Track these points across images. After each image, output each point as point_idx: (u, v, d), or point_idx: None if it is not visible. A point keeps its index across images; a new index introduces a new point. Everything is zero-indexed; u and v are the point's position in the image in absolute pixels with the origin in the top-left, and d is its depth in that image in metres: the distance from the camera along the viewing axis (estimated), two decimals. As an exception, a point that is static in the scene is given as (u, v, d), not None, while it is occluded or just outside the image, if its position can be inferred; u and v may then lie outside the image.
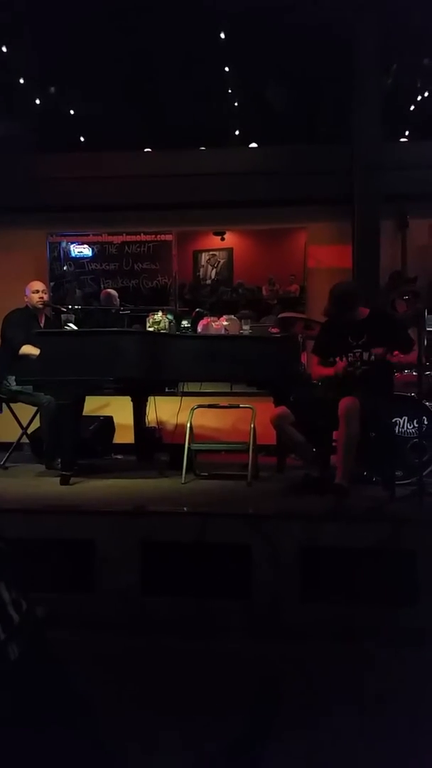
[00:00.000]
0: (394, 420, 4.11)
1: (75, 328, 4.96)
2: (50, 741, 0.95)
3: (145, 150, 7.08)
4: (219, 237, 7.32)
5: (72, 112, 7.20)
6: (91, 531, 3.20)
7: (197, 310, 5.19)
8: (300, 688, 2.35)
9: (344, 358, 3.73)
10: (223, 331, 4.65)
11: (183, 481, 4.12)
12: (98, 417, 5.34)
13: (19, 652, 0.95)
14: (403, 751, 2.01)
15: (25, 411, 4.90)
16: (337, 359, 3.76)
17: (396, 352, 3.67)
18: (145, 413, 5.10)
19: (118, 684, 2.36)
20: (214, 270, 7.39)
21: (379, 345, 3.64)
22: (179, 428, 4.74)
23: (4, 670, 0.92)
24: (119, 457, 5.33)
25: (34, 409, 4.76)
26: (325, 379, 3.85)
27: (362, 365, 3.64)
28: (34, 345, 4.39)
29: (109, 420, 5.43)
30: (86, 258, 7.17)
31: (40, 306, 4.86)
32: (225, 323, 4.71)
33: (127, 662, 2.65)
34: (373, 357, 3.65)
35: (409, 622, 2.92)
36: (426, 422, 4.04)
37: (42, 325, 4.85)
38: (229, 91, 6.88)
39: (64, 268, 7.17)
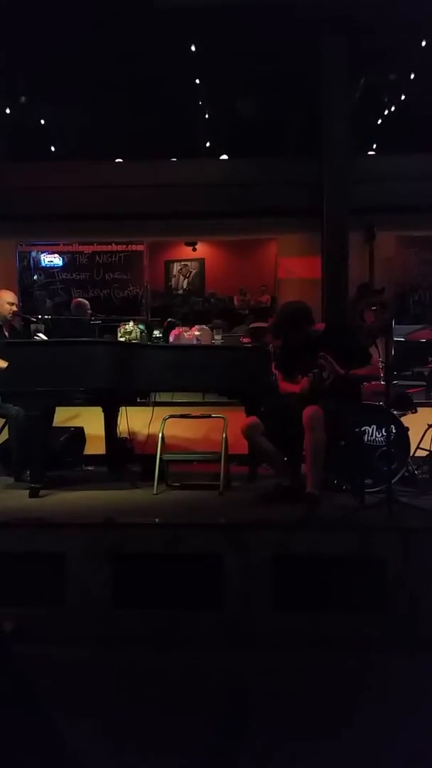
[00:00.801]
0: (362, 428, 4.16)
1: (45, 338, 4.91)
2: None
3: (117, 160, 7.09)
4: (191, 247, 7.36)
5: (43, 121, 7.17)
6: (61, 544, 3.17)
7: (169, 320, 5.20)
8: (273, 697, 2.35)
9: (304, 376, 3.76)
10: (194, 341, 4.66)
11: (155, 492, 4.10)
12: (69, 428, 5.29)
13: None
14: (380, 759, 2.03)
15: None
16: (297, 377, 3.79)
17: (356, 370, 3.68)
18: (116, 424, 5.06)
19: (85, 698, 2.33)
20: (186, 280, 7.43)
21: (335, 359, 3.64)
22: (151, 438, 4.72)
23: None
24: (90, 468, 5.28)
25: (2, 420, 4.69)
26: (292, 393, 3.87)
27: (325, 380, 3.67)
28: (2, 356, 4.33)
29: (79, 431, 5.38)
30: (57, 267, 7.14)
31: (10, 317, 4.80)
32: (197, 333, 4.72)
33: (97, 675, 2.62)
34: (329, 377, 3.67)
35: (380, 629, 2.95)
36: (394, 431, 4.09)
37: (7, 335, 4.79)
38: (200, 103, 6.94)
39: (35, 277, 7.13)
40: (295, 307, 3.95)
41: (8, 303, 4.77)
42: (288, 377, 3.90)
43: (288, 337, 3.84)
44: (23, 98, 7.11)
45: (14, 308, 4.81)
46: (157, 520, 3.43)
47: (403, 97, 6.84)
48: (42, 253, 7.11)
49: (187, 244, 7.35)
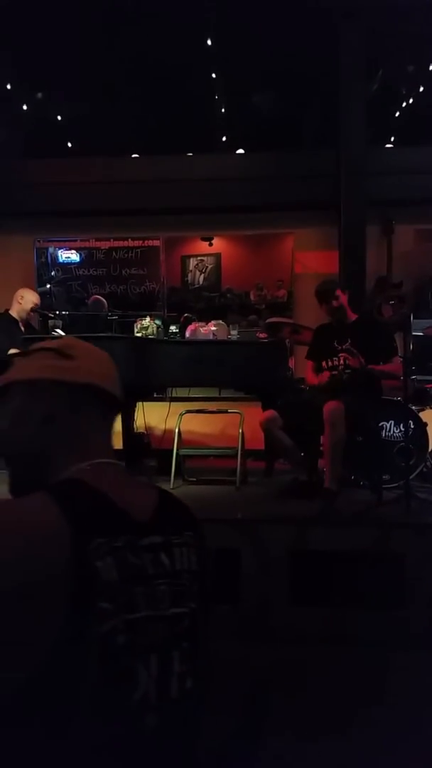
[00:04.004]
0: (380, 424, 4.13)
1: (62, 333, 4.95)
2: None
3: (133, 156, 7.09)
4: (207, 242, 7.34)
5: (59, 117, 7.20)
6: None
7: (185, 315, 5.20)
8: (290, 692, 2.35)
9: (329, 362, 3.76)
10: (211, 336, 4.66)
11: (171, 487, 4.12)
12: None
13: (158, 726, 0.90)
14: (397, 755, 2.02)
15: None
16: (323, 364, 3.79)
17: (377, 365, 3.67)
18: (133, 419, 5.07)
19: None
20: (202, 275, 7.41)
21: (361, 351, 3.65)
22: (167, 433, 4.73)
23: (134, 732, 0.88)
24: (107, 462, 5.30)
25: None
26: (314, 385, 3.87)
27: (345, 369, 3.66)
28: (21, 351, 4.37)
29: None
30: (74, 263, 7.16)
31: (29, 315, 4.84)
32: (213, 328, 4.72)
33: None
34: (347, 369, 3.67)
35: (398, 625, 2.93)
36: (412, 426, 4.06)
37: (23, 330, 4.83)
38: (216, 97, 6.91)
39: (52, 273, 7.16)
40: (327, 282, 4.02)
41: (33, 303, 4.82)
42: (318, 366, 3.88)
43: (335, 303, 3.82)
44: (39, 95, 7.13)
45: (36, 308, 4.86)
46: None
47: (421, 89, 6.76)
48: (59, 249, 7.14)
49: (204, 239, 7.33)
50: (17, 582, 0.81)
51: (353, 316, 3.87)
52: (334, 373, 3.69)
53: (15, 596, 0.80)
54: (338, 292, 3.79)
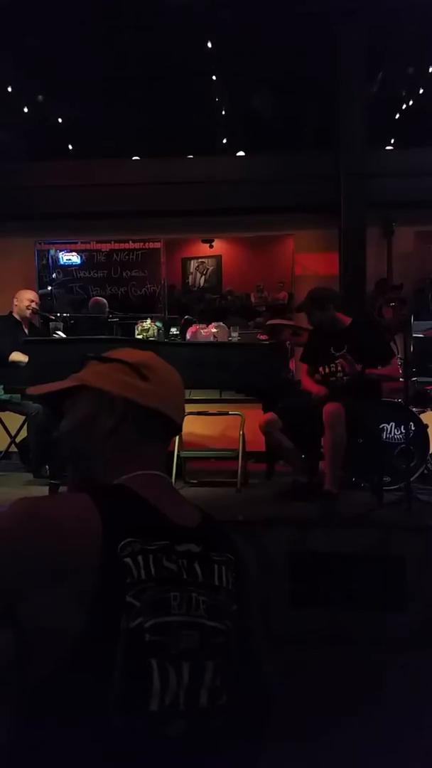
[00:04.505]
0: (381, 426, 4.13)
1: (63, 335, 4.95)
2: None
3: (134, 158, 7.11)
4: (207, 244, 7.35)
5: (60, 120, 7.21)
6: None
7: (186, 317, 5.20)
8: (290, 693, 2.35)
9: (326, 368, 3.76)
10: (211, 338, 4.66)
11: (172, 489, 4.12)
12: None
13: (183, 733, 0.91)
14: (399, 755, 2.02)
15: (13, 419, 4.89)
16: (320, 370, 3.79)
17: (375, 369, 3.67)
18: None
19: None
20: (203, 277, 7.42)
21: (358, 356, 3.65)
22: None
23: (157, 737, 0.89)
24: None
25: (22, 417, 4.74)
26: (311, 393, 3.87)
27: (344, 376, 3.66)
28: (22, 353, 4.38)
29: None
30: (75, 266, 7.18)
31: (29, 315, 4.85)
32: (214, 330, 4.72)
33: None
34: (345, 376, 3.67)
35: (399, 627, 2.93)
36: (413, 428, 4.06)
37: (26, 332, 4.84)
38: (217, 99, 6.93)
39: (53, 275, 7.17)
40: (320, 288, 4.00)
41: (28, 300, 4.82)
42: (312, 369, 3.89)
43: (311, 317, 3.82)
44: (40, 97, 7.15)
45: (34, 305, 4.86)
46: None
47: (421, 91, 6.77)
48: (60, 251, 7.15)
49: (204, 241, 7.34)
50: (50, 566, 0.88)
51: (347, 320, 3.87)
52: (332, 379, 3.69)
53: (49, 578, 0.87)
54: (318, 310, 3.77)
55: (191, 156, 7.04)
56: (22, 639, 0.89)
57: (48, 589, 0.87)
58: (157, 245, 7.03)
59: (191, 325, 4.81)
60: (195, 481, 4.39)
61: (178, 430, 1.11)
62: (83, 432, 1.06)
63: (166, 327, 4.93)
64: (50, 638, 0.86)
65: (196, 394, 5.18)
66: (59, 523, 0.91)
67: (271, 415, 3.80)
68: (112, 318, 5.49)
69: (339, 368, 3.71)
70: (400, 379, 4.13)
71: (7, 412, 4.80)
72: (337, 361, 3.73)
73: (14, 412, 4.76)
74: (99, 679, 0.86)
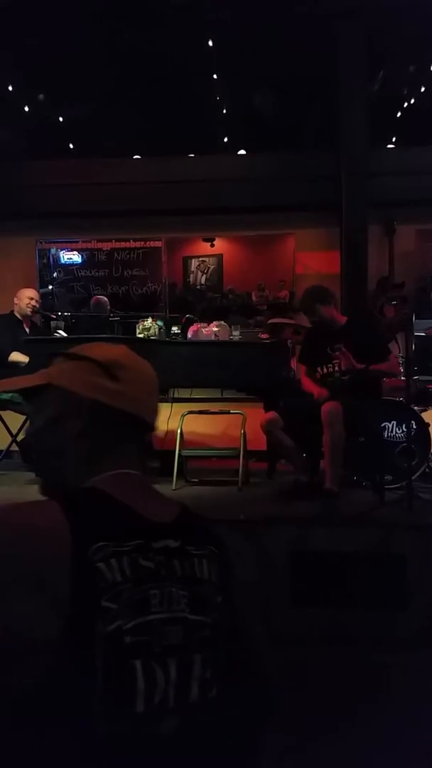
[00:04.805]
0: (382, 424, 4.13)
1: (64, 335, 4.95)
2: None
3: (135, 157, 7.10)
4: (209, 243, 7.35)
5: (61, 119, 7.21)
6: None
7: (187, 316, 5.20)
8: (291, 692, 2.35)
9: (324, 368, 3.77)
10: (213, 337, 4.66)
11: (174, 488, 4.12)
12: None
13: (177, 729, 0.91)
14: (398, 756, 2.02)
15: (14, 418, 4.88)
16: (319, 370, 3.79)
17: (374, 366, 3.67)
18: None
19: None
20: (204, 276, 7.42)
21: (355, 355, 3.65)
22: (170, 434, 4.73)
23: (148, 735, 0.89)
24: (109, 463, 5.31)
25: (24, 417, 4.74)
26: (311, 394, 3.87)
27: (342, 376, 3.66)
28: (23, 352, 4.38)
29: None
30: (76, 264, 7.18)
31: (30, 313, 4.85)
32: (215, 329, 4.72)
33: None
34: (347, 372, 3.67)
35: (400, 626, 2.93)
36: (414, 426, 4.06)
37: (27, 331, 4.84)
38: (218, 98, 6.92)
39: (54, 274, 7.17)
40: (318, 286, 4.01)
41: (28, 298, 4.81)
42: (311, 370, 3.89)
43: (312, 313, 3.82)
44: (41, 96, 7.15)
45: (34, 303, 4.86)
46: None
47: (422, 89, 6.76)
48: (61, 250, 7.16)
49: (205, 240, 7.34)
50: (20, 576, 0.86)
51: (342, 319, 3.87)
52: (330, 380, 3.69)
53: (22, 589, 0.85)
54: (318, 305, 3.78)
55: (192, 155, 7.03)
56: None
57: (21, 599, 0.85)
58: (158, 244, 7.03)
59: (192, 324, 4.81)
60: (196, 480, 4.39)
61: (152, 428, 1.10)
62: (51, 434, 1.04)
63: (168, 326, 4.93)
64: (28, 648, 0.85)
65: (197, 393, 5.18)
66: (26, 532, 0.89)
67: (272, 414, 3.80)
68: (113, 317, 5.50)
69: (336, 368, 3.72)
70: (402, 378, 4.13)
71: (8, 411, 4.81)
72: (334, 361, 3.73)
73: (15, 412, 4.76)
74: (81, 686, 0.86)
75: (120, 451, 1.04)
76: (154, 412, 1.10)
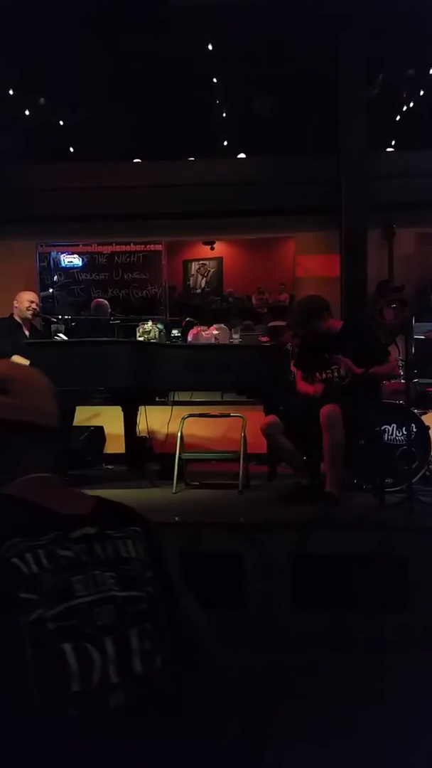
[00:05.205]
0: (383, 427, 4.12)
1: (65, 338, 4.96)
2: None
3: (135, 160, 7.12)
4: (209, 246, 7.36)
5: (61, 122, 7.23)
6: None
7: (187, 319, 5.21)
8: (292, 695, 2.35)
9: (322, 374, 3.76)
10: (213, 340, 4.66)
11: (174, 491, 4.12)
12: (89, 427, 5.33)
13: (125, 702, 0.94)
14: (400, 758, 2.02)
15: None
16: (317, 375, 3.79)
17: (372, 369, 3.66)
18: (135, 423, 5.09)
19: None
20: (204, 279, 7.43)
21: (353, 359, 3.65)
22: (170, 438, 4.74)
23: (99, 713, 0.93)
24: (110, 467, 5.31)
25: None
26: (307, 394, 3.87)
27: (341, 381, 3.66)
28: (23, 356, 4.37)
29: (99, 430, 5.42)
30: (76, 268, 7.19)
31: (30, 316, 4.85)
32: (215, 332, 4.72)
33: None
34: (346, 376, 3.67)
35: (401, 629, 2.93)
36: (415, 429, 4.06)
37: (27, 334, 4.84)
38: (218, 101, 6.94)
39: (54, 278, 7.18)
40: (311, 298, 3.97)
41: (28, 301, 4.82)
42: (307, 376, 3.89)
43: (308, 328, 3.82)
44: (42, 100, 7.17)
45: (34, 306, 4.86)
46: (176, 518, 3.45)
47: (421, 93, 6.78)
48: (62, 253, 7.16)
49: (205, 243, 7.35)
50: None
51: (338, 324, 3.87)
52: (327, 372, 3.69)
53: None
54: (307, 321, 3.77)
55: (192, 158, 7.05)
56: None
57: None
58: (159, 247, 7.04)
59: (193, 327, 4.81)
60: (196, 483, 4.39)
61: (54, 430, 1.15)
62: None
63: (168, 329, 4.93)
64: None
65: (197, 396, 5.19)
66: None
67: (272, 417, 3.80)
68: (113, 320, 5.50)
69: (335, 373, 3.71)
70: (401, 381, 4.13)
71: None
72: (333, 366, 3.73)
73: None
74: (15, 677, 0.89)
75: (29, 459, 1.10)
76: (52, 416, 1.16)
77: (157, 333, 4.61)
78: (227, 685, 1.17)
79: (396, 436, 4.20)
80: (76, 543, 1.02)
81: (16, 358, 4.51)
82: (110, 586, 1.00)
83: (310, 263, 6.87)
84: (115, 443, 5.29)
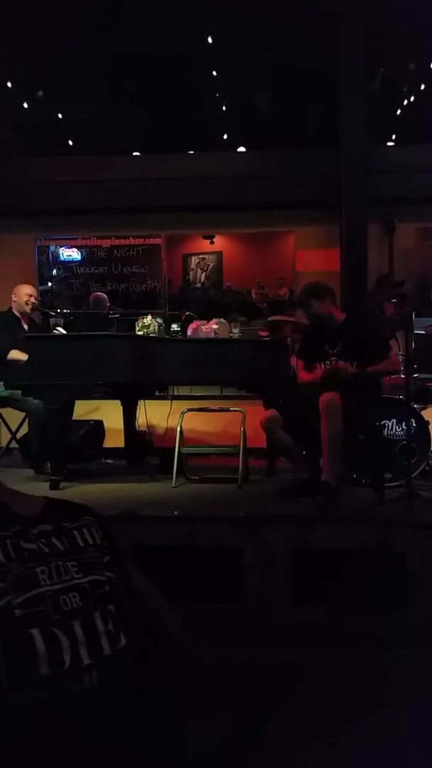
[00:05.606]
0: (382, 422, 4.13)
1: (64, 332, 4.95)
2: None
3: (134, 154, 7.09)
4: (208, 240, 7.34)
5: (60, 115, 7.19)
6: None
7: (187, 313, 5.19)
8: (291, 691, 2.35)
9: (322, 365, 3.76)
10: (212, 335, 4.66)
11: (173, 485, 4.12)
12: (88, 421, 5.33)
13: (99, 681, 0.99)
14: (399, 756, 2.02)
15: (14, 415, 4.89)
16: (316, 365, 3.79)
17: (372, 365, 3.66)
18: (135, 417, 5.09)
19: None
20: (204, 273, 7.41)
21: (353, 353, 3.65)
22: (169, 432, 4.74)
23: (74, 693, 0.96)
24: (109, 461, 5.31)
25: (23, 414, 4.74)
26: (307, 382, 3.88)
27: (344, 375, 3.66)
28: (22, 349, 4.36)
29: (98, 424, 5.42)
30: (75, 262, 7.16)
31: (29, 310, 4.84)
32: (215, 326, 4.72)
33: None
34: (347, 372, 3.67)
35: (400, 624, 2.93)
36: (414, 424, 4.06)
37: (26, 328, 4.83)
38: (217, 94, 6.91)
39: (53, 271, 7.16)
40: (315, 282, 4.01)
41: (27, 294, 4.80)
42: (308, 366, 3.89)
43: (309, 308, 3.81)
44: (40, 93, 7.13)
45: (33, 300, 4.84)
46: (176, 512, 3.45)
47: (422, 87, 6.75)
48: (60, 247, 7.14)
49: (205, 237, 7.33)
50: None
51: (341, 316, 3.86)
52: (327, 363, 3.70)
53: None
54: (312, 300, 3.78)
55: (192, 151, 7.02)
56: None
57: None
58: (158, 241, 7.01)
59: (192, 322, 4.81)
60: (196, 478, 4.39)
61: None
62: None
63: (167, 323, 4.92)
64: None
65: (197, 391, 5.19)
66: None
67: (272, 411, 3.80)
68: (112, 314, 5.48)
69: (334, 366, 3.71)
70: (401, 376, 4.13)
71: (8, 409, 4.80)
72: (332, 358, 3.73)
73: (15, 409, 4.76)
74: None
75: None
76: None
77: (156, 327, 4.60)
78: (188, 660, 1.23)
79: (396, 431, 4.20)
80: (37, 538, 1.09)
81: (15, 353, 4.51)
82: (73, 574, 1.06)
83: (310, 258, 6.85)
84: (115, 437, 5.30)
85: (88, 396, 5.19)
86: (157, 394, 5.34)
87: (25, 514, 1.13)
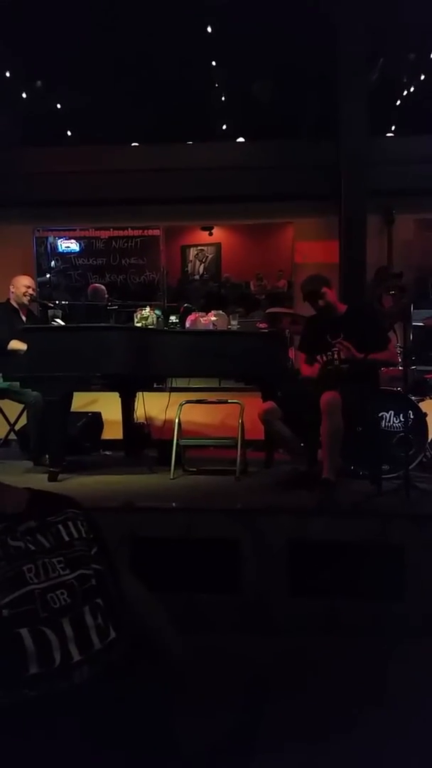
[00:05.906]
0: (380, 414, 4.14)
1: (62, 323, 4.94)
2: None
3: (133, 144, 7.05)
4: (207, 232, 7.31)
5: (59, 106, 7.15)
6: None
7: (185, 305, 5.19)
8: (290, 683, 2.36)
9: (323, 356, 3.77)
10: (211, 327, 4.65)
11: (171, 477, 4.13)
12: (86, 413, 5.33)
13: (89, 677, 0.98)
14: (397, 748, 2.03)
15: (12, 407, 4.89)
16: (317, 358, 3.80)
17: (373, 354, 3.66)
18: (133, 409, 5.09)
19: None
20: (202, 265, 7.39)
21: (354, 343, 3.66)
22: (168, 424, 4.74)
23: (65, 690, 0.96)
24: (107, 453, 5.32)
25: (21, 405, 4.74)
26: (308, 377, 3.88)
27: (341, 363, 3.66)
28: (21, 340, 4.36)
29: (97, 416, 5.42)
30: (73, 253, 7.14)
31: (27, 301, 4.83)
32: (213, 318, 4.71)
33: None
34: (347, 360, 3.67)
35: (397, 616, 2.95)
36: (412, 416, 4.07)
37: (24, 319, 4.82)
38: (216, 85, 6.87)
39: (51, 263, 7.14)
40: (316, 274, 4.01)
41: (25, 286, 4.79)
42: (310, 359, 3.89)
43: (321, 298, 3.81)
44: (38, 83, 7.08)
45: (31, 291, 4.83)
46: (174, 504, 3.46)
47: (422, 78, 6.71)
48: (59, 238, 7.11)
49: (204, 228, 7.30)
50: None
51: (342, 308, 3.87)
52: (329, 368, 3.69)
53: None
54: (324, 289, 3.78)
55: (191, 142, 6.98)
56: None
57: None
58: (157, 233, 6.99)
59: (190, 313, 4.80)
60: (194, 470, 4.40)
61: None
62: None
63: (166, 315, 4.92)
64: None
65: (195, 383, 5.19)
66: None
67: (270, 403, 3.80)
68: (111, 305, 5.47)
69: (336, 356, 3.71)
70: (399, 368, 4.13)
71: (6, 401, 4.80)
72: (333, 349, 3.74)
73: (13, 401, 4.76)
74: None
75: None
76: None
77: (154, 319, 4.59)
78: (174, 657, 1.24)
79: (393, 422, 4.21)
80: (24, 535, 1.08)
81: (15, 343, 4.51)
82: (59, 571, 1.05)
83: (308, 249, 6.82)
84: (113, 429, 5.30)
85: (86, 388, 5.19)
86: (155, 386, 5.34)
87: (11, 510, 1.12)
